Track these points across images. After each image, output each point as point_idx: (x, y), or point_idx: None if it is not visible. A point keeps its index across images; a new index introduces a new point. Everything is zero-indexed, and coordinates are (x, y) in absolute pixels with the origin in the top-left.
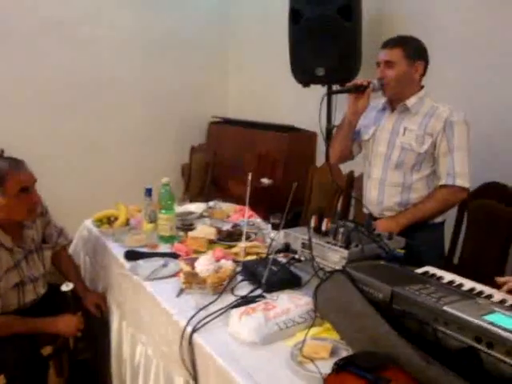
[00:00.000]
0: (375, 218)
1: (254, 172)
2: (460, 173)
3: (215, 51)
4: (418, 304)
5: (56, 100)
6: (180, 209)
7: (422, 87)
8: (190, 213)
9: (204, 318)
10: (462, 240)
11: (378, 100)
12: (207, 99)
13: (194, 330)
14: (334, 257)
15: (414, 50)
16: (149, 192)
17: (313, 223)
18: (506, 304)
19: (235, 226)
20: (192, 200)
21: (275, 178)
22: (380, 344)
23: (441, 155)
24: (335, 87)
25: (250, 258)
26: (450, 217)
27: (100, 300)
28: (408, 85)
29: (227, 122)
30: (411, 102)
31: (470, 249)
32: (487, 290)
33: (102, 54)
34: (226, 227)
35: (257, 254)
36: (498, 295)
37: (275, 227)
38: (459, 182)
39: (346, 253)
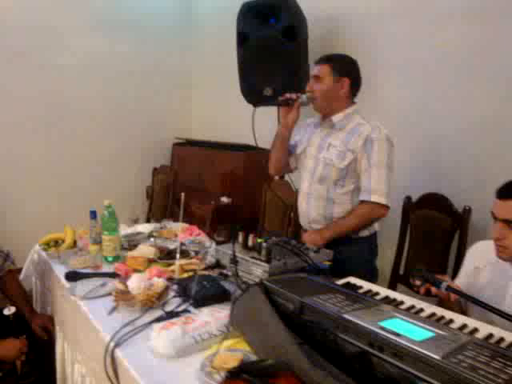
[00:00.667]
0: (306, 231)
1: (215, 191)
2: (376, 189)
3: (178, 75)
4: (322, 313)
5: (17, 125)
6: (129, 230)
7: (354, 104)
8: (138, 233)
9: (127, 333)
10: (407, 250)
11: (316, 116)
12: (171, 121)
13: (116, 345)
14: (257, 271)
15: (340, 67)
16: (93, 214)
17: (240, 239)
18: (413, 310)
19: (181, 244)
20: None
21: (235, 197)
22: (279, 352)
23: (362, 171)
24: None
25: (186, 275)
26: (395, 227)
27: (46, 322)
28: (334, 100)
29: (190, 143)
30: (337, 118)
31: (413, 258)
32: (400, 297)
33: (64, 79)
34: (173, 246)
35: (193, 271)
36: (410, 302)
37: (219, 244)
38: (375, 199)
39: (267, 266)
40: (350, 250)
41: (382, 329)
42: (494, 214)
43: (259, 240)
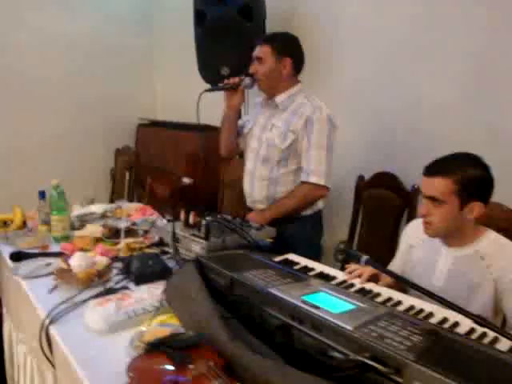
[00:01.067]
0: (250, 209)
1: (177, 172)
2: (315, 170)
3: (140, 54)
4: (249, 288)
5: None
6: (82, 210)
7: (298, 83)
8: (91, 213)
9: (62, 310)
10: (359, 228)
11: (263, 95)
12: (134, 102)
13: (51, 322)
14: (196, 248)
15: (282, 47)
16: (42, 194)
17: (182, 217)
18: (343, 285)
19: (133, 224)
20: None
21: (196, 177)
22: (202, 326)
23: (302, 152)
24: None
25: (135, 253)
26: (348, 206)
27: None
28: (278, 80)
29: (154, 123)
30: (280, 98)
31: (365, 235)
32: (334, 272)
33: (25, 58)
34: (125, 225)
35: (140, 249)
36: (342, 277)
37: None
38: (313, 179)
39: (205, 243)
40: (294, 228)
41: (304, 302)
42: (422, 191)
43: (207, 219)
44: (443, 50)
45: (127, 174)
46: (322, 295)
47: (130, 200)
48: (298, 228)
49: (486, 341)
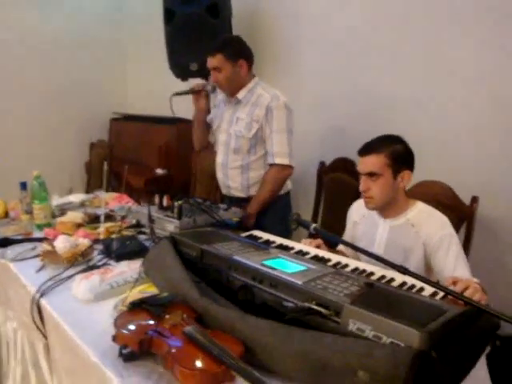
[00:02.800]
0: (227, 197)
1: (151, 164)
2: (278, 152)
3: (113, 49)
4: (217, 257)
5: None
6: (61, 200)
7: (254, 77)
8: (70, 202)
9: (51, 285)
10: (322, 210)
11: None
12: (107, 96)
13: (42, 295)
14: (170, 227)
15: (233, 52)
16: (23, 186)
17: (157, 200)
18: (299, 253)
19: (111, 211)
20: None
21: (169, 168)
22: (177, 288)
23: (266, 138)
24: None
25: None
26: (311, 190)
27: None
28: (238, 81)
29: (127, 117)
30: (241, 94)
31: (327, 216)
32: (292, 244)
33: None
34: (102, 212)
35: (118, 232)
36: (299, 247)
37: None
38: (278, 161)
39: (177, 223)
40: (267, 208)
41: (263, 265)
42: (358, 171)
43: (178, 202)
44: (396, 40)
45: (103, 167)
46: (279, 260)
47: (106, 191)
48: (270, 208)
49: (413, 290)
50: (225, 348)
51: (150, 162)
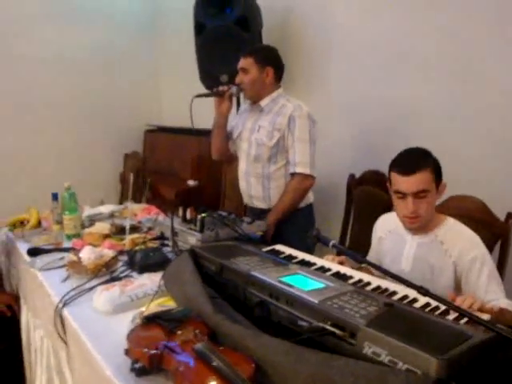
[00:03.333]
0: (251, 209)
1: (183, 175)
2: (299, 161)
3: (147, 62)
4: (235, 272)
5: None
6: (91, 211)
7: (279, 87)
8: (100, 213)
9: (74, 295)
10: (351, 224)
11: (247, 102)
12: (142, 108)
13: (64, 305)
14: (192, 240)
15: (263, 58)
16: (55, 196)
17: (180, 213)
18: (320, 270)
19: (139, 222)
20: None
21: (201, 179)
22: (193, 302)
23: (289, 147)
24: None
25: (138, 247)
26: (341, 203)
27: (10, 300)
28: (262, 88)
29: (161, 129)
30: (264, 102)
31: (357, 230)
32: (314, 259)
33: (38, 68)
34: (130, 223)
35: (143, 243)
36: (321, 263)
37: None
38: (299, 170)
39: (200, 236)
40: (288, 221)
41: (280, 282)
42: (400, 191)
43: (201, 215)
44: (429, 51)
45: (135, 178)
46: (297, 277)
47: (138, 202)
48: (291, 221)
49: (437, 313)
50: (234, 367)
51: (182, 173)
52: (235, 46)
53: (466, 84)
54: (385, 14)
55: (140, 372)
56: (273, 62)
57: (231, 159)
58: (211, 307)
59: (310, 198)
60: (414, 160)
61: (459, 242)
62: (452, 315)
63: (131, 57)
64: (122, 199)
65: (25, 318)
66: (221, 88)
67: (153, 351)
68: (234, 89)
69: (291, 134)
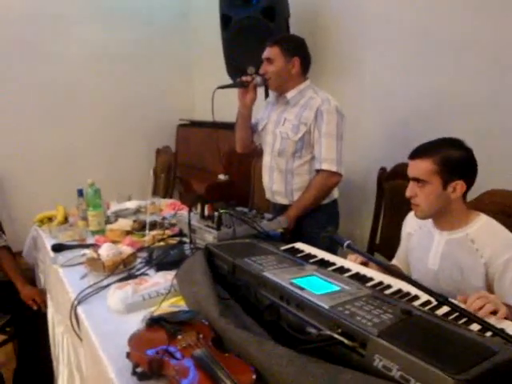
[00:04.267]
0: (273, 204)
1: (215, 170)
2: (326, 158)
3: (179, 58)
4: (247, 272)
5: (18, 112)
6: (118, 206)
7: (306, 79)
8: (126, 209)
9: (89, 293)
10: (382, 219)
11: (273, 94)
12: (174, 103)
13: (79, 303)
14: (209, 237)
15: (290, 48)
16: (80, 192)
17: (199, 209)
18: (338, 270)
19: (163, 218)
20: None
21: (232, 174)
22: (201, 304)
23: (315, 142)
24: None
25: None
26: (372, 198)
27: (36, 295)
28: (287, 79)
29: (194, 124)
30: (290, 94)
31: (388, 227)
32: (334, 259)
33: (72, 65)
34: (155, 219)
35: (163, 240)
36: (340, 263)
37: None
38: (325, 166)
39: (216, 233)
40: (310, 217)
41: (291, 284)
42: (408, 175)
43: (221, 210)
44: (464, 43)
45: (167, 173)
46: (312, 278)
47: (170, 197)
48: (313, 217)
49: (461, 322)
50: (233, 377)
51: (213, 167)
52: (262, 36)
53: (506, 72)
54: (419, 1)
55: (141, 376)
56: (300, 52)
57: (255, 152)
58: (218, 310)
59: (335, 194)
60: (423, 146)
61: (492, 241)
62: (478, 325)
63: (165, 53)
64: (154, 194)
65: (50, 312)
66: (244, 78)
67: (153, 356)
68: (258, 79)
69: (318, 129)
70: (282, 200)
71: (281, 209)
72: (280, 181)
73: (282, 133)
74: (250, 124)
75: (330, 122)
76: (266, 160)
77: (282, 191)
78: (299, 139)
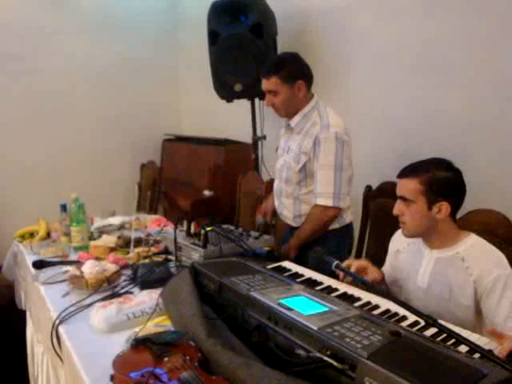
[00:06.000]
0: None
1: (200, 185)
2: (321, 192)
3: (166, 73)
4: (234, 291)
5: (3, 125)
6: (102, 221)
7: (312, 98)
8: (110, 225)
9: (71, 312)
10: (367, 237)
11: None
12: (160, 118)
13: (60, 322)
14: (195, 255)
15: (290, 73)
16: (63, 207)
17: (185, 227)
18: (326, 290)
19: (147, 235)
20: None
21: (217, 189)
22: (188, 325)
23: (314, 172)
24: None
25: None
26: (357, 217)
27: None
28: (296, 104)
29: (179, 138)
30: (294, 121)
31: (373, 244)
32: (321, 278)
33: (53, 80)
34: (140, 236)
35: (148, 257)
36: (328, 283)
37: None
38: (320, 202)
39: (202, 251)
40: (318, 242)
41: (279, 305)
42: (396, 193)
43: (207, 228)
44: (453, 61)
45: (151, 188)
46: (299, 299)
47: (154, 212)
48: (322, 241)
49: (449, 343)
50: None
51: (199, 183)
52: (249, 53)
53: (493, 90)
54: (404, 17)
55: None
56: (300, 72)
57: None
58: (205, 331)
59: (346, 219)
60: (412, 166)
61: (482, 260)
62: (466, 347)
63: (152, 68)
64: (138, 210)
65: (29, 330)
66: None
67: (138, 378)
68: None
69: (316, 159)
70: (291, 223)
71: (291, 229)
72: (289, 206)
73: (286, 162)
74: None
75: (327, 151)
76: (276, 184)
77: (291, 216)
78: (300, 169)
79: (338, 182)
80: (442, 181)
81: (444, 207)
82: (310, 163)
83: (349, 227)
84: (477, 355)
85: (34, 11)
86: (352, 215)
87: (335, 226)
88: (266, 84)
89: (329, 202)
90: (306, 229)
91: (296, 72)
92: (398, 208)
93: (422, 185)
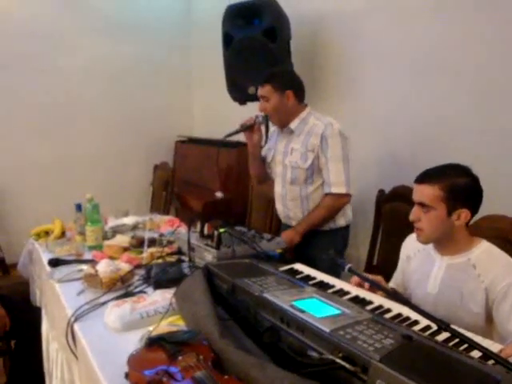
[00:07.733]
0: (286, 225)
1: (212, 187)
2: (334, 181)
3: (179, 74)
4: (247, 292)
5: (20, 125)
6: (116, 221)
7: (306, 107)
8: (123, 225)
9: (86, 310)
10: (380, 241)
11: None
12: (173, 119)
13: (76, 320)
14: (208, 256)
15: (281, 83)
16: (78, 207)
17: (198, 228)
18: (338, 293)
19: (161, 235)
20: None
21: (229, 192)
22: (201, 325)
23: (322, 167)
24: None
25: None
26: (370, 220)
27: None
28: (286, 112)
29: (191, 140)
30: (294, 124)
31: (385, 249)
32: (333, 281)
33: (67, 80)
34: (153, 236)
35: (161, 258)
36: (340, 286)
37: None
38: (335, 190)
39: (215, 252)
40: (316, 242)
41: (292, 306)
42: (413, 198)
43: (221, 230)
44: (465, 66)
45: (164, 189)
46: (312, 301)
47: (166, 213)
48: (324, 239)
49: (461, 348)
50: None
51: (210, 184)
52: (263, 57)
53: (503, 97)
54: (416, 21)
55: None
56: (291, 84)
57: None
58: (218, 331)
59: (348, 217)
60: (430, 171)
61: (494, 267)
62: (479, 352)
63: (166, 69)
64: (151, 211)
65: (45, 327)
66: (248, 123)
67: (152, 376)
68: (260, 118)
69: (324, 154)
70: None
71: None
72: (295, 208)
73: (291, 162)
74: (260, 159)
75: (334, 146)
76: (278, 189)
77: (299, 217)
78: (309, 166)
79: (346, 171)
80: (461, 187)
81: (464, 214)
82: (316, 160)
83: (340, 231)
84: (490, 361)
85: (50, 12)
86: (346, 220)
87: (341, 223)
88: (260, 90)
89: (342, 190)
90: (318, 214)
91: (286, 83)
92: (415, 214)
93: (442, 191)
